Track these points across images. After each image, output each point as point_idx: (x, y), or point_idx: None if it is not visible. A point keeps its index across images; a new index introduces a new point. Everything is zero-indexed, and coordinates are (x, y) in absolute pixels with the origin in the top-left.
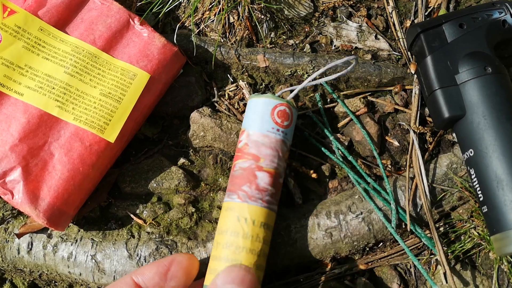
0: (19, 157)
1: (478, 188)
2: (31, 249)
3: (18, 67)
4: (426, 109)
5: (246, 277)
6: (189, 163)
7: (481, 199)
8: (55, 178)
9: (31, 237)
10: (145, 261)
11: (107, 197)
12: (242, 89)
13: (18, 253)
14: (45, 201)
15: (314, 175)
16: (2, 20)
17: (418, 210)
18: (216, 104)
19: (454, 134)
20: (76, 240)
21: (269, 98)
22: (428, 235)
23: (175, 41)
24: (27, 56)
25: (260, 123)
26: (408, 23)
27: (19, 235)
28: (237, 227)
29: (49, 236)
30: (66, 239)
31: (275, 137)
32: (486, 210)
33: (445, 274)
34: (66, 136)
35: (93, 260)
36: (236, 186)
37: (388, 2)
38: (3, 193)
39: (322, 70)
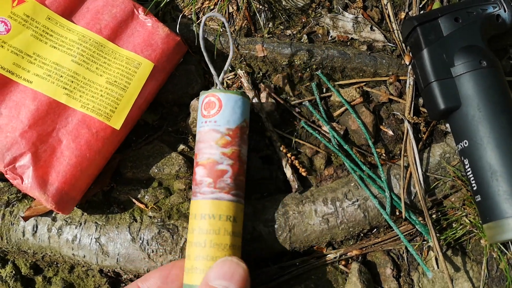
0: (29, 143)
1: (472, 178)
2: (36, 232)
3: (27, 55)
4: (420, 100)
5: (237, 271)
6: (188, 149)
7: (474, 188)
8: (63, 164)
9: (36, 220)
10: (148, 245)
11: (109, 181)
12: (241, 77)
13: (23, 235)
14: (53, 186)
15: (304, 173)
16: (12, 9)
17: (412, 197)
18: None
19: (447, 124)
20: (80, 224)
21: (201, 95)
22: (422, 222)
23: (177, 31)
24: (35, 44)
25: (197, 121)
26: (402, 15)
27: (25, 218)
28: (191, 224)
29: (54, 219)
30: (71, 222)
31: (204, 129)
32: (480, 199)
33: (437, 259)
34: (73, 123)
35: (97, 243)
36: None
37: None
38: (13, 178)
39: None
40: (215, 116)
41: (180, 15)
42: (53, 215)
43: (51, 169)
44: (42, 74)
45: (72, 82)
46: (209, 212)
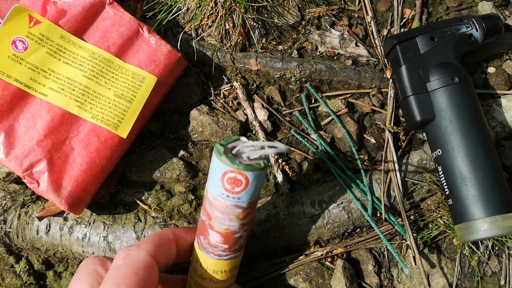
0: (45, 151)
1: (445, 183)
2: (49, 231)
3: (43, 71)
4: (400, 111)
5: None
6: (188, 155)
7: (447, 192)
8: (75, 169)
9: (49, 220)
10: None
11: (115, 185)
12: (236, 89)
13: (37, 233)
14: (66, 189)
15: (294, 178)
16: (29, 29)
17: (392, 200)
18: (212, 102)
19: (424, 134)
20: (90, 223)
21: (220, 161)
22: (400, 222)
23: (178, 47)
24: (50, 61)
25: (212, 184)
26: (385, 32)
27: (39, 218)
28: (201, 271)
29: (65, 219)
30: (81, 221)
31: (225, 202)
32: (451, 202)
33: (414, 257)
34: (84, 132)
35: (105, 241)
36: (198, 231)
37: (367, 13)
38: (30, 182)
39: (264, 143)
40: (239, 194)
41: (182, 32)
42: (64, 215)
43: (64, 174)
44: (56, 88)
45: (83, 95)
46: (223, 268)
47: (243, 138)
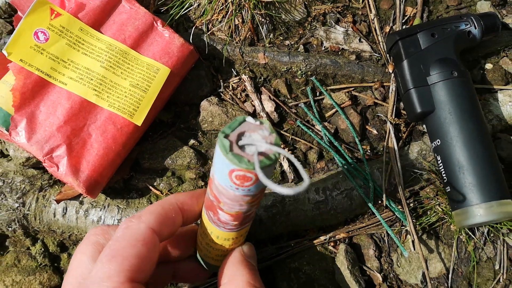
0: (64, 136)
1: (443, 172)
2: (65, 213)
3: (62, 61)
4: (401, 104)
5: (254, 252)
6: (198, 144)
7: (445, 180)
8: (93, 154)
9: (66, 203)
10: None
11: (129, 171)
12: (244, 81)
13: (54, 216)
14: (84, 173)
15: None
16: (50, 21)
17: (392, 188)
18: (221, 94)
19: (424, 126)
20: (104, 207)
21: (227, 159)
22: (400, 209)
23: (191, 41)
24: (69, 51)
25: (219, 176)
26: (387, 29)
27: (57, 201)
28: (213, 239)
29: (81, 203)
30: (96, 205)
31: (234, 192)
32: (449, 190)
33: (413, 242)
34: (101, 120)
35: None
36: (206, 205)
37: (370, 10)
38: (50, 166)
39: (287, 154)
40: (249, 187)
41: (193, 27)
42: (80, 199)
43: (82, 159)
44: (75, 77)
45: (101, 84)
46: (235, 236)
47: (248, 119)
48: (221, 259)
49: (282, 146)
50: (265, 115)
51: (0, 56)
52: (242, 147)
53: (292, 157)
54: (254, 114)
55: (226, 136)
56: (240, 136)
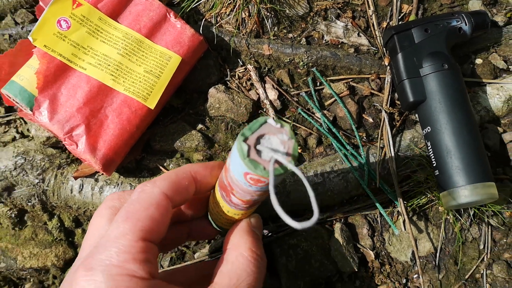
0: (83, 117)
1: (433, 157)
2: (81, 190)
3: (82, 48)
4: (396, 94)
5: (261, 223)
6: (206, 128)
7: (434, 164)
8: (109, 134)
9: (82, 180)
10: None
11: (141, 152)
12: (250, 71)
13: (71, 192)
14: (101, 151)
15: (299, 151)
16: (72, 10)
17: (386, 172)
18: (228, 82)
19: (416, 115)
20: (118, 184)
21: (243, 163)
22: (392, 191)
23: (201, 32)
24: (89, 39)
25: (235, 172)
26: (384, 24)
27: (75, 177)
28: (225, 212)
29: (96, 180)
30: (110, 183)
31: (248, 188)
32: (438, 173)
33: (404, 222)
34: (117, 103)
35: None
36: (219, 183)
37: (369, 7)
38: (70, 144)
39: (301, 176)
40: (262, 186)
41: (203, 19)
42: (95, 176)
43: (99, 138)
44: (94, 63)
45: (117, 70)
46: (246, 212)
47: (270, 120)
48: (230, 224)
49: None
50: (268, 103)
51: (25, 42)
52: (259, 152)
53: (305, 180)
54: (258, 101)
55: (245, 139)
56: (259, 139)
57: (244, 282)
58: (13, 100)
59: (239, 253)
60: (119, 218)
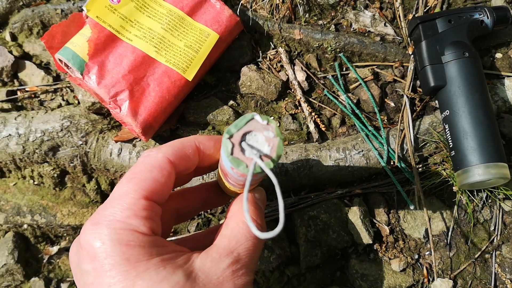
0: (127, 83)
1: (450, 138)
2: (120, 153)
3: (130, 21)
4: (418, 82)
5: (264, 196)
6: (236, 105)
7: (451, 146)
8: (149, 101)
9: (121, 145)
10: None
11: (176, 122)
12: (280, 54)
13: (110, 155)
14: (141, 116)
15: (323, 128)
16: None
17: (404, 152)
18: (259, 63)
19: (436, 102)
20: None
21: (227, 159)
22: (410, 171)
23: (238, 13)
24: (136, 13)
25: (225, 164)
26: (410, 16)
27: (115, 141)
28: (222, 177)
29: (134, 146)
30: (146, 148)
31: (238, 178)
32: (454, 154)
33: (419, 200)
34: (159, 73)
35: None
36: (220, 165)
37: None
38: (114, 108)
39: (273, 177)
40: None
41: (239, 4)
42: (133, 142)
43: (141, 104)
44: (139, 35)
45: (160, 43)
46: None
47: (257, 117)
48: (237, 194)
49: (309, 110)
50: (296, 83)
51: (76, 15)
52: (243, 149)
53: (275, 180)
54: (287, 82)
55: (231, 137)
56: (245, 135)
57: (242, 246)
58: (65, 64)
59: (239, 220)
60: (124, 179)
